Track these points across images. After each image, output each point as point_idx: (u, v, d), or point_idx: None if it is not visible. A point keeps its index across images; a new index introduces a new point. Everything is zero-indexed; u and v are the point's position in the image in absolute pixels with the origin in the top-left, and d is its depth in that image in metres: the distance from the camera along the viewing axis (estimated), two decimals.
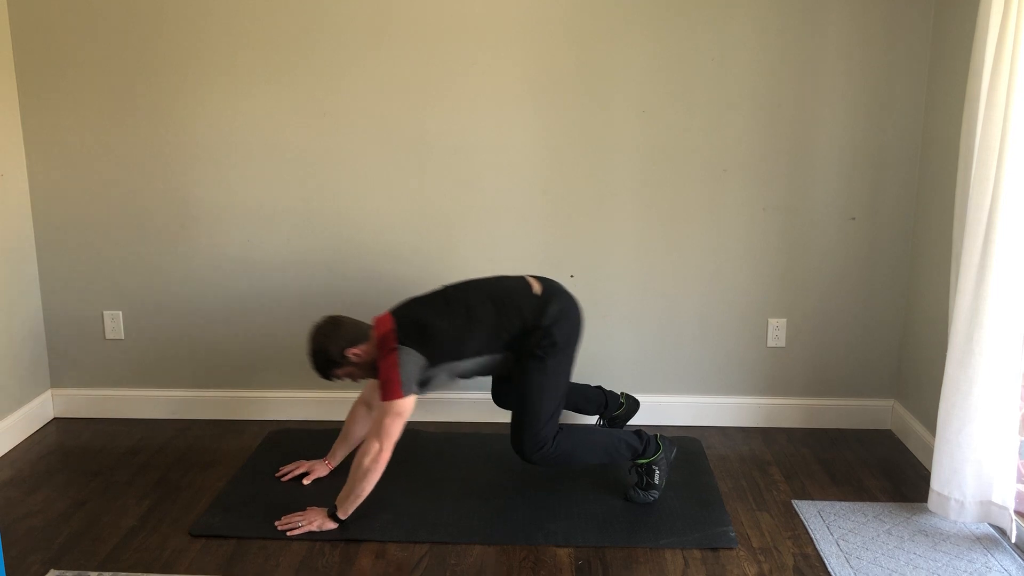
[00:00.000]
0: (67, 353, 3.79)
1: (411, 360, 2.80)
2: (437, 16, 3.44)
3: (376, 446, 2.76)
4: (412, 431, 3.56)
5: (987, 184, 2.66)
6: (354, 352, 2.89)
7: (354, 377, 2.96)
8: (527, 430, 2.90)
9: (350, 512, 2.82)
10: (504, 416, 3.57)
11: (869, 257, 3.59)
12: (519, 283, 3.02)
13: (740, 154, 3.51)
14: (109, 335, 3.76)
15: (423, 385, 2.87)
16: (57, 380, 3.82)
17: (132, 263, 3.69)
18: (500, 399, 3.27)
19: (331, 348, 2.88)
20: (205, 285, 3.70)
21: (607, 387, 3.63)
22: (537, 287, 3.00)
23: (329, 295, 3.69)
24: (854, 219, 3.56)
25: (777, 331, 3.66)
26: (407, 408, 2.78)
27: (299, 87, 3.50)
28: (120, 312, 3.74)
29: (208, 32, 3.48)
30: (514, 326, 2.92)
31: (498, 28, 3.44)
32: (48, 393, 3.80)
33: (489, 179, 3.57)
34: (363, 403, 3.19)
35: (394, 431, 2.77)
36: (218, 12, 3.46)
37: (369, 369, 2.93)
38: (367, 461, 2.76)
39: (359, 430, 3.19)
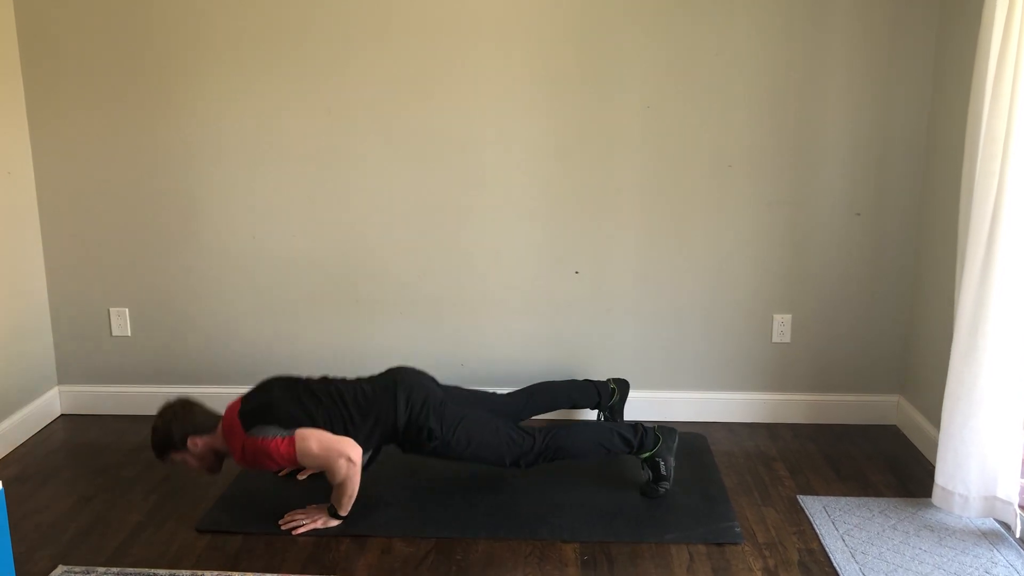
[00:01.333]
0: (74, 350, 3.80)
1: (265, 430, 2.74)
2: (441, 11, 3.44)
3: (334, 459, 2.71)
4: None
5: (992, 178, 2.66)
6: (194, 441, 2.83)
7: (188, 464, 2.89)
8: (498, 465, 2.97)
9: (348, 509, 2.83)
10: None
11: (874, 252, 3.59)
12: (370, 387, 2.93)
13: (744, 149, 3.51)
14: (116, 332, 3.77)
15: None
16: (64, 377, 3.83)
17: (138, 260, 3.70)
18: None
19: (175, 431, 2.82)
20: (211, 282, 3.71)
21: (595, 378, 3.64)
22: (368, 395, 2.90)
23: (335, 290, 3.70)
24: (859, 214, 3.56)
25: (782, 327, 3.66)
26: (306, 433, 2.72)
27: (303, 84, 3.51)
28: (126, 309, 3.75)
29: (212, 30, 3.48)
30: (375, 421, 2.86)
31: (502, 23, 3.45)
32: (55, 390, 3.82)
33: (493, 174, 3.57)
34: None
35: (326, 442, 2.71)
36: (222, 10, 3.46)
37: (206, 461, 2.88)
38: (341, 472, 2.73)
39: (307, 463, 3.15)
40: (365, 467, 2.87)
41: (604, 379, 3.54)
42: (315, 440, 2.72)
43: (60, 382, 3.84)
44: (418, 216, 3.61)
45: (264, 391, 2.89)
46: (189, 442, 2.83)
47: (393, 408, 2.87)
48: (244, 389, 3.73)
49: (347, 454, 2.72)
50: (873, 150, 3.50)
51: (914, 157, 3.49)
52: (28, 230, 3.63)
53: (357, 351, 3.74)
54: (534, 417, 3.38)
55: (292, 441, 2.71)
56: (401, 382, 2.94)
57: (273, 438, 2.72)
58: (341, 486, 2.77)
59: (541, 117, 3.51)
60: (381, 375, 3.03)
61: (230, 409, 2.86)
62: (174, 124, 3.57)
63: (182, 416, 2.85)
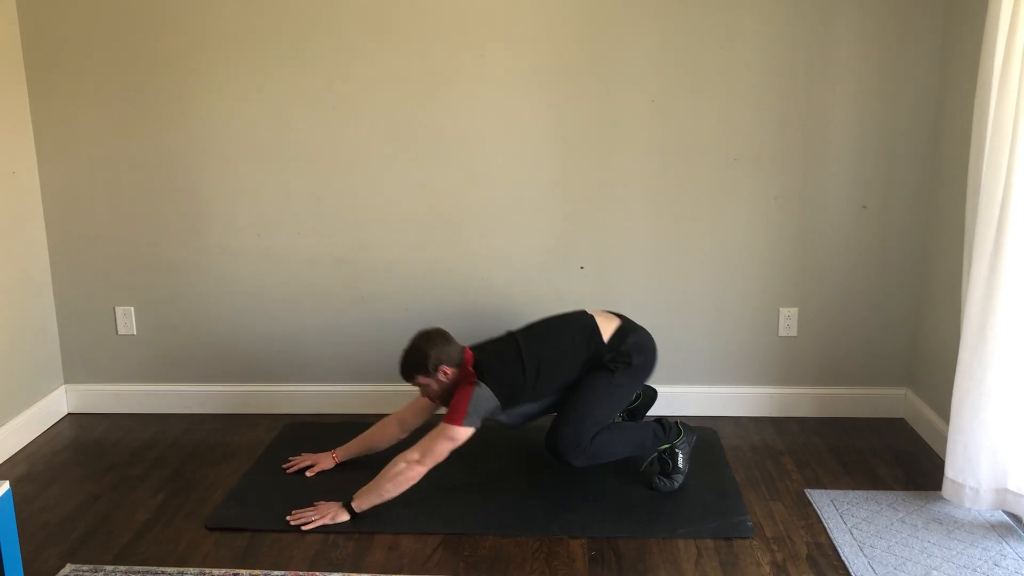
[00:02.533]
0: (80, 349, 3.81)
1: (485, 398, 2.87)
2: (444, 7, 3.43)
3: (416, 456, 2.82)
4: (426, 422, 3.56)
5: (1000, 170, 2.65)
6: (445, 370, 2.94)
7: (429, 390, 3.00)
8: (570, 428, 2.94)
9: (366, 508, 2.83)
10: None
11: (881, 245, 3.57)
12: (591, 323, 3.09)
13: (750, 143, 3.50)
14: (121, 331, 3.77)
15: (485, 419, 2.93)
16: (70, 376, 3.84)
17: (143, 259, 3.70)
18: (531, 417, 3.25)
19: (431, 355, 2.93)
20: (216, 279, 3.71)
21: None
22: (612, 324, 3.10)
23: (340, 287, 3.69)
24: (865, 208, 3.54)
25: (789, 320, 3.65)
26: (462, 437, 2.85)
27: (307, 81, 3.50)
28: (132, 308, 3.75)
29: (215, 28, 3.48)
30: (589, 359, 3.03)
31: (506, 18, 3.43)
32: (62, 389, 3.82)
33: (498, 170, 3.56)
34: (398, 420, 3.20)
35: (441, 453, 2.84)
36: (225, 10, 3.46)
37: (443, 393, 2.99)
38: (402, 466, 2.81)
39: (381, 442, 3.20)
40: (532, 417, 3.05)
41: None
42: (448, 442, 2.83)
43: (66, 381, 3.84)
44: (423, 213, 3.61)
45: (494, 351, 3.01)
46: (441, 371, 2.93)
47: (622, 341, 3.07)
48: (252, 386, 3.78)
49: (421, 469, 2.82)
50: (880, 143, 3.48)
51: (921, 150, 3.48)
52: (33, 230, 3.63)
53: (361, 349, 3.73)
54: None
55: (460, 424, 2.83)
56: (635, 331, 3.14)
57: (467, 409, 2.83)
58: (387, 475, 2.82)
59: (546, 113, 3.50)
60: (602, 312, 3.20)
61: (471, 351, 2.99)
62: (179, 123, 3.57)
63: (441, 345, 2.95)
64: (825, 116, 3.47)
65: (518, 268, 3.64)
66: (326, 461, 3.21)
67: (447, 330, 3.03)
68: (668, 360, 3.71)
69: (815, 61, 3.42)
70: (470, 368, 2.94)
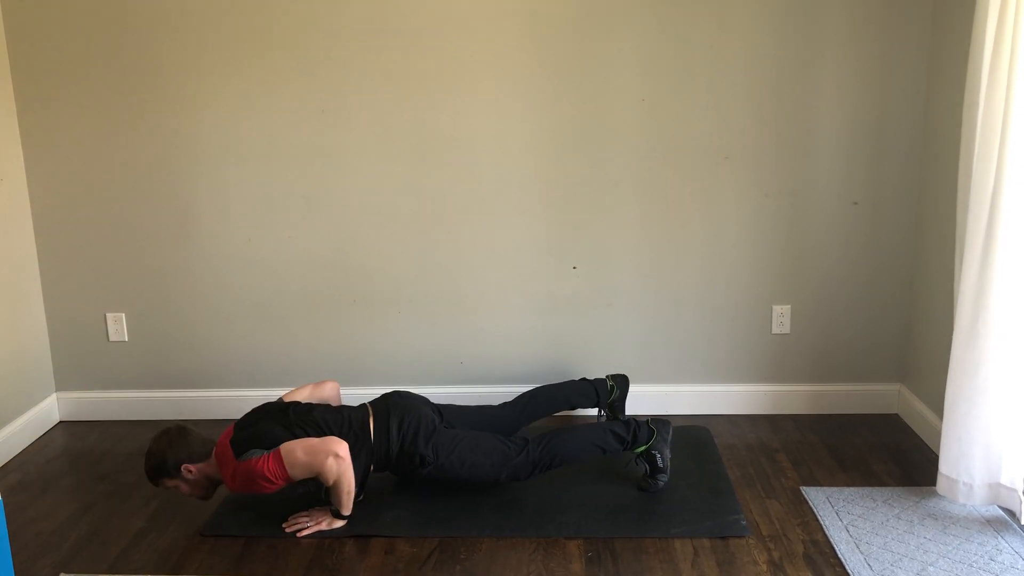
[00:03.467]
0: (71, 356, 3.79)
1: (252, 455, 2.75)
2: (434, 9, 3.42)
3: (320, 461, 2.70)
4: None
5: (990, 164, 2.65)
6: (188, 468, 2.83)
7: (180, 490, 2.89)
8: (494, 484, 2.97)
9: (350, 508, 2.82)
10: None
11: (872, 241, 3.58)
12: (360, 413, 2.95)
13: (741, 141, 3.50)
14: (113, 337, 3.75)
15: None
16: (62, 383, 3.82)
17: (133, 265, 3.68)
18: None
19: (169, 458, 2.82)
20: (207, 285, 3.69)
21: (593, 375, 3.62)
22: (371, 419, 2.92)
23: (332, 290, 3.68)
24: (856, 204, 3.55)
25: (781, 318, 3.66)
26: (291, 447, 2.72)
27: (296, 84, 3.49)
28: (123, 314, 3.73)
29: (205, 32, 3.46)
30: (363, 453, 2.86)
31: (495, 20, 3.43)
32: (53, 397, 3.80)
33: (489, 171, 3.56)
34: (312, 385, 3.20)
35: (308, 447, 2.71)
36: (214, 12, 3.44)
37: (199, 487, 2.88)
38: (330, 471, 2.72)
39: (328, 392, 3.18)
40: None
41: (602, 376, 3.52)
42: (300, 447, 2.72)
43: (58, 388, 3.82)
44: (414, 215, 3.60)
45: (254, 420, 2.90)
46: (183, 469, 2.83)
47: (386, 436, 2.88)
48: (245, 391, 3.76)
49: (333, 451, 2.71)
50: (870, 138, 3.49)
51: (911, 144, 3.48)
52: (22, 236, 3.61)
53: (355, 351, 3.72)
54: (534, 423, 3.34)
55: (278, 454, 2.71)
56: (393, 409, 2.94)
57: (260, 457, 2.72)
58: (336, 485, 2.76)
59: (537, 113, 3.50)
60: (374, 402, 3.03)
61: (223, 436, 2.87)
62: (168, 129, 3.55)
63: (177, 443, 2.84)
64: (815, 113, 3.47)
65: (511, 268, 3.64)
66: None
67: (187, 427, 2.92)
68: (661, 359, 3.71)
69: (805, 58, 3.43)
70: (225, 448, 2.80)
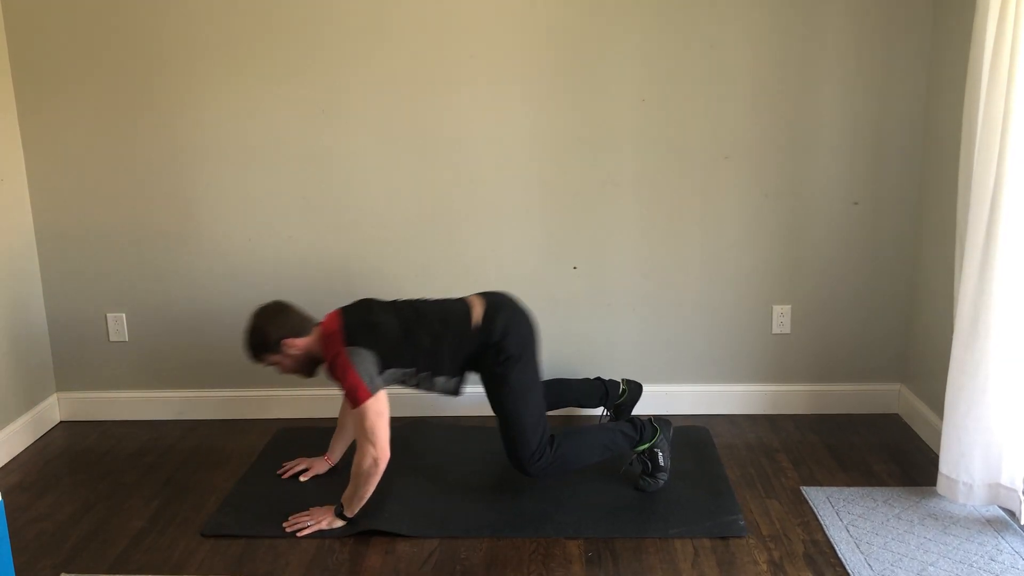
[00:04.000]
0: (72, 356, 3.79)
1: (364, 358, 2.76)
2: (433, 10, 3.42)
3: (369, 448, 2.74)
4: (420, 425, 3.55)
5: (990, 163, 2.65)
6: (290, 343, 2.84)
7: (282, 367, 2.90)
8: (517, 446, 2.91)
9: (356, 511, 2.82)
10: None
11: (873, 241, 3.58)
12: (461, 306, 2.97)
13: (741, 141, 3.50)
14: (113, 337, 3.76)
15: (386, 380, 2.83)
16: (62, 383, 3.82)
17: (134, 265, 3.68)
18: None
19: (270, 332, 2.83)
20: (207, 285, 3.69)
21: (609, 376, 3.62)
22: (479, 308, 2.95)
23: (332, 290, 3.67)
24: (857, 204, 3.55)
25: (782, 318, 3.66)
26: (381, 404, 2.76)
27: (296, 85, 3.49)
28: (123, 314, 3.73)
29: (205, 32, 3.46)
30: (463, 348, 2.90)
31: (495, 20, 3.43)
32: (54, 397, 3.80)
33: (489, 171, 3.56)
34: None
35: (380, 431, 2.74)
36: (215, 12, 3.44)
37: (301, 365, 2.89)
38: (366, 465, 2.75)
39: (350, 424, 3.17)
40: (455, 390, 2.93)
41: (617, 379, 3.50)
42: (377, 418, 2.72)
43: (59, 389, 3.82)
44: (414, 215, 3.60)
45: (366, 310, 2.89)
46: (285, 344, 2.83)
47: (491, 326, 2.90)
48: (246, 391, 3.76)
49: (381, 456, 2.74)
50: (870, 138, 3.49)
51: (911, 144, 3.48)
52: (22, 236, 3.61)
53: None
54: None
55: (368, 396, 2.71)
56: (503, 305, 2.97)
57: (362, 380, 2.71)
58: (357, 479, 2.76)
59: (537, 114, 3.50)
60: (485, 293, 3.05)
61: (330, 317, 2.87)
62: (168, 127, 3.55)
63: (278, 318, 2.85)
64: (816, 113, 3.47)
65: (510, 268, 3.64)
66: (320, 465, 3.20)
67: (286, 302, 2.95)
68: (661, 359, 3.71)
69: (805, 58, 3.43)
70: (332, 333, 2.81)
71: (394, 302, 2.99)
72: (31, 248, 3.66)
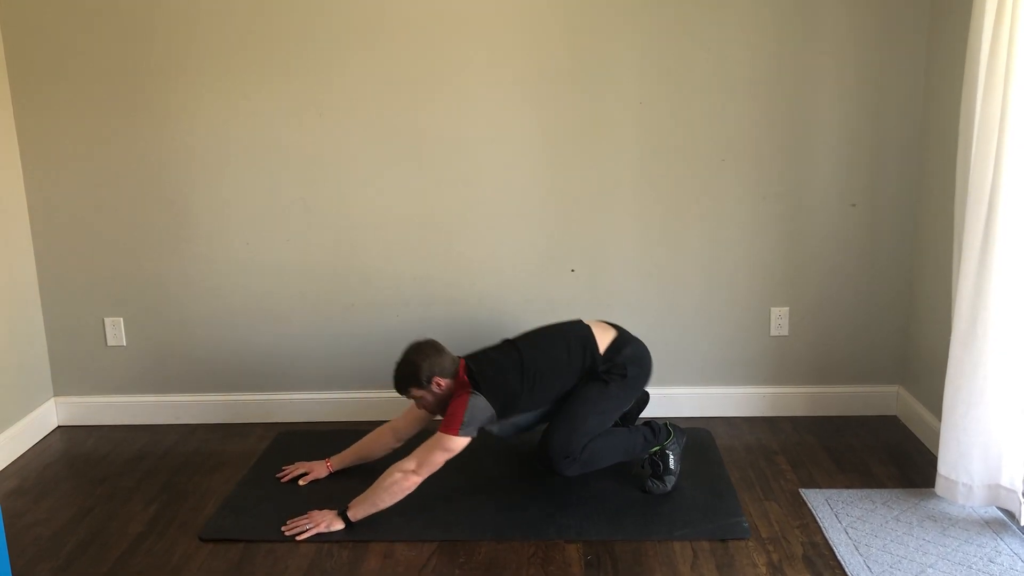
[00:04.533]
0: (69, 361, 3.78)
1: (481, 407, 2.87)
2: (431, 12, 3.42)
3: (412, 466, 2.82)
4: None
5: (988, 163, 2.65)
6: (439, 382, 2.94)
7: (424, 403, 3.00)
8: (561, 437, 2.93)
9: (361, 517, 2.82)
10: None
11: (871, 243, 3.58)
12: (587, 333, 3.10)
13: (738, 143, 3.50)
14: (111, 342, 3.75)
15: (480, 430, 2.93)
16: (60, 388, 3.81)
17: (131, 269, 3.68)
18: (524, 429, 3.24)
19: (423, 368, 2.93)
20: (205, 289, 3.69)
21: None
22: (609, 333, 3.12)
23: (329, 295, 3.68)
24: (854, 205, 3.55)
25: (780, 320, 3.66)
26: (457, 447, 2.85)
27: (293, 87, 3.49)
28: (121, 319, 3.73)
29: (202, 34, 3.46)
30: (583, 368, 3.04)
31: (493, 22, 3.43)
32: (51, 401, 3.80)
33: (487, 174, 3.56)
34: (392, 429, 3.19)
35: (436, 463, 2.84)
36: (211, 14, 3.44)
37: (437, 404, 2.98)
38: (398, 476, 2.80)
39: (375, 451, 3.19)
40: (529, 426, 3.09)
41: None
42: (443, 453, 2.83)
43: (56, 393, 3.81)
44: (411, 218, 3.60)
45: (489, 361, 3.00)
46: (434, 382, 2.93)
47: (618, 353, 3.08)
48: (243, 395, 3.76)
49: (416, 479, 2.82)
50: (868, 141, 3.49)
51: (909, 146, 3.48)
52: (20, 241, 3.61)
53: (353, 355, 3.72)
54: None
55: (456, 433, 2.82)
56: (628, 339, 3.15)
57: (463, 418, 2.82)
58: (381, 486, 2.81)
59: (534, 116, 3.50)
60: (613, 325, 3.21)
61: (461, 363, 2.99)
62: (166, 133, 3.55)
63: (432, 357, 2.95)
64: (813, 115, 3.48)
65: (508, 272, 3.64)
66: (320, 470, 3.20)
67: (438, 340, 3.03)
68: (660, 361, 3.70)
69: (802, 61, 3.43)
70: (464, 377, 2.94)
71: (518, 348, 3.05)
72: (28, 252, 3.66)
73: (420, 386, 2.94)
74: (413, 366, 2.94)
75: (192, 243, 3.65)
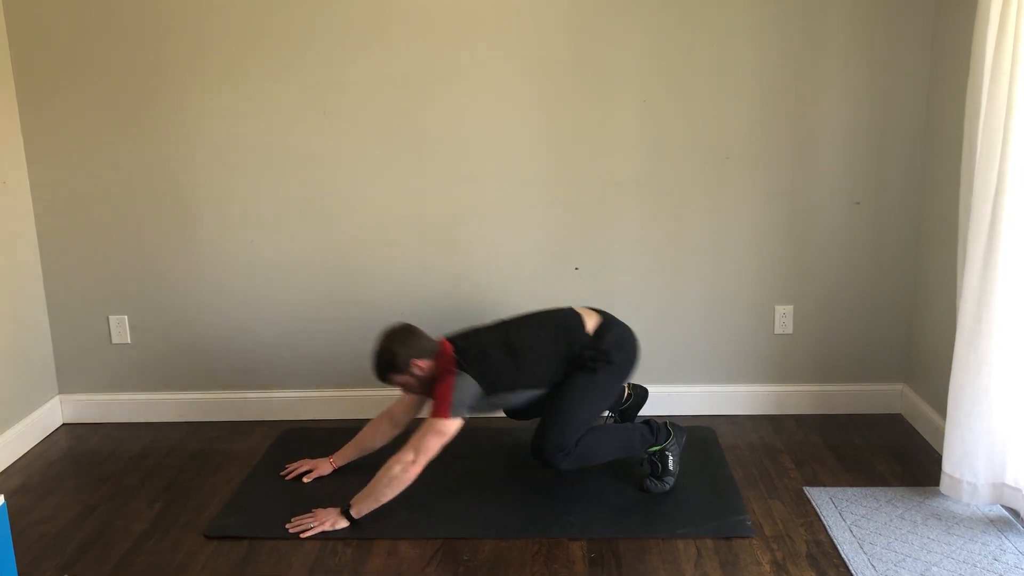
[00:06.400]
0: (74, 359, 3.79)
1: (467, 386, 2.85)
2: (434, 10, 3.42)
3: (410, 457, 2.80)
4: None
5: (992, 161, 2.65)
6: (418, 364, 2.91)
7: (408, 388, 2.98)
8: (553, 431, 2.91)
9: (364, 513, 2.82)
10: None
11: (875, 241, 3.58)
12: (572, 315, 3.09)
13: (742, 141, 3.50)
14: (115, 340, 3.76)
15: (472, 410, 2.91)
16: (65, 386, 3.82)
17: (136, 267, 3.68)
18: (518, 413, 3.25)
19: (399, 353, 2.90)
20: (210, 287, 3.69)
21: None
22: (593, 319, 3.08)
23: (334, 293, 3.68)
24: (859, 203, 3.55)
25: (784, 318, 3.65)
26: (451, 429, 2.83)
27: (298, 86, 3.49)
28: (126, 317, 3.74)
29: (207, 33, 3.46)
30: (571, 352, 3.01)
31: (496, 20, 3.43)
32: (56, 399, 3.80)
33: (491, 173, 3.56)
34: (388, 416, 3.19)
35: (433, 448, 2.81)
36: (216, 13, 3.44)
37: (423, 386, 2.96)
38: (397, 469, 2.79)
39: (375, 441, 3.19)
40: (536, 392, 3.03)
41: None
42: (437, 437, 2.80)
43: (61, 391, 3.82)
44: (416, 216, 3.60)
45: (477, 338, 3.00)
46: (413, 365, 2.89)
47: (603, 338, 3.03)
48: (248, 393, 3.76)
49: (415, 469, 2.80)
50: (872, 137, 3.48)
51: (913, 143, 3.48)
52: (24, 239, 3.62)
53: (357, 353, 3.71)
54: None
55: (447, 416, 2.79)
56: (614, 324, 3.11)
57: (452, 400, 2.80)
58: (381, 481, 2.80)
59: (538, 114, 3.50)
60: (598, 311, 3.17)
61: (443, 341, 2.97)
62: (170, 130, 3.55)
63: (406, 340, 2.92)
64: (817, 113, 3.47)
65: (512, 270, 3.64)
66: (324, 467, 3.20)
67: (413, 324, 3.01)
68: (664, 359, 3.71)
69: (806, 58, 3.43)
70: (449, 356, 2.91)
71: (505, 327, 3.05)
72: (33, 250, 3.66)
73: (400, 371, 2.91)
74: (389, 353, 2.91)
75: (196, 241, 3.65)
